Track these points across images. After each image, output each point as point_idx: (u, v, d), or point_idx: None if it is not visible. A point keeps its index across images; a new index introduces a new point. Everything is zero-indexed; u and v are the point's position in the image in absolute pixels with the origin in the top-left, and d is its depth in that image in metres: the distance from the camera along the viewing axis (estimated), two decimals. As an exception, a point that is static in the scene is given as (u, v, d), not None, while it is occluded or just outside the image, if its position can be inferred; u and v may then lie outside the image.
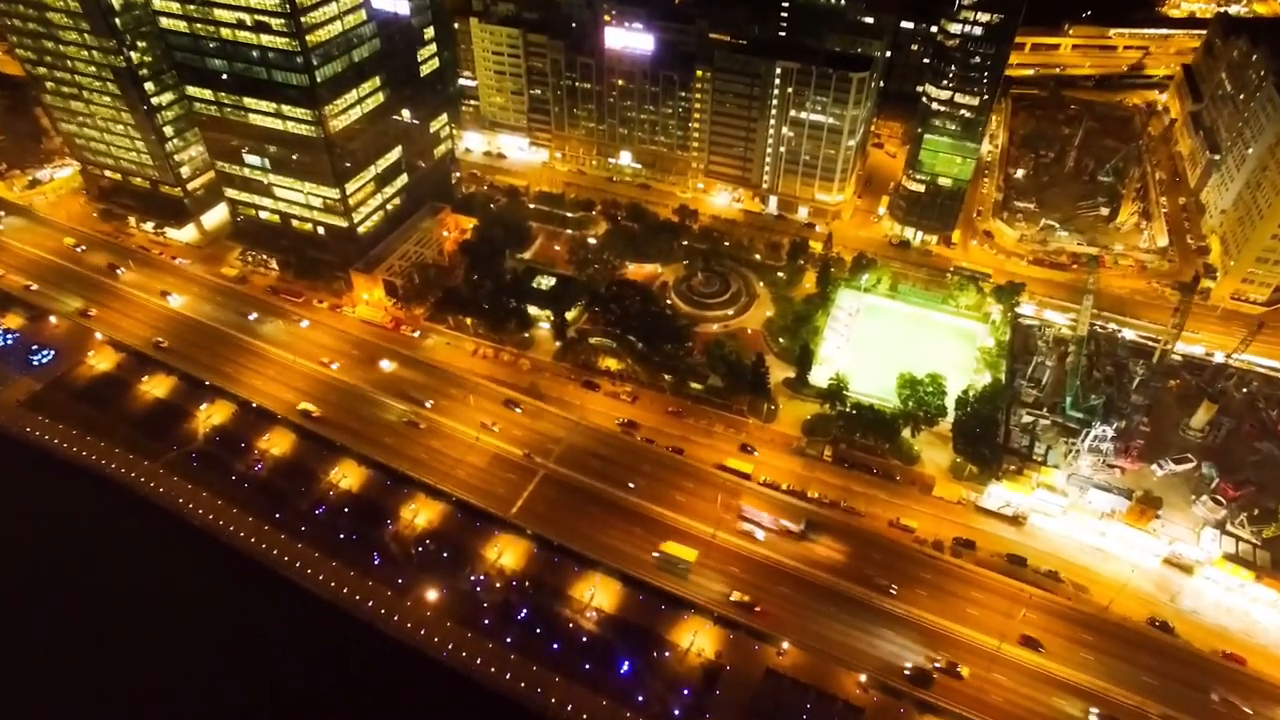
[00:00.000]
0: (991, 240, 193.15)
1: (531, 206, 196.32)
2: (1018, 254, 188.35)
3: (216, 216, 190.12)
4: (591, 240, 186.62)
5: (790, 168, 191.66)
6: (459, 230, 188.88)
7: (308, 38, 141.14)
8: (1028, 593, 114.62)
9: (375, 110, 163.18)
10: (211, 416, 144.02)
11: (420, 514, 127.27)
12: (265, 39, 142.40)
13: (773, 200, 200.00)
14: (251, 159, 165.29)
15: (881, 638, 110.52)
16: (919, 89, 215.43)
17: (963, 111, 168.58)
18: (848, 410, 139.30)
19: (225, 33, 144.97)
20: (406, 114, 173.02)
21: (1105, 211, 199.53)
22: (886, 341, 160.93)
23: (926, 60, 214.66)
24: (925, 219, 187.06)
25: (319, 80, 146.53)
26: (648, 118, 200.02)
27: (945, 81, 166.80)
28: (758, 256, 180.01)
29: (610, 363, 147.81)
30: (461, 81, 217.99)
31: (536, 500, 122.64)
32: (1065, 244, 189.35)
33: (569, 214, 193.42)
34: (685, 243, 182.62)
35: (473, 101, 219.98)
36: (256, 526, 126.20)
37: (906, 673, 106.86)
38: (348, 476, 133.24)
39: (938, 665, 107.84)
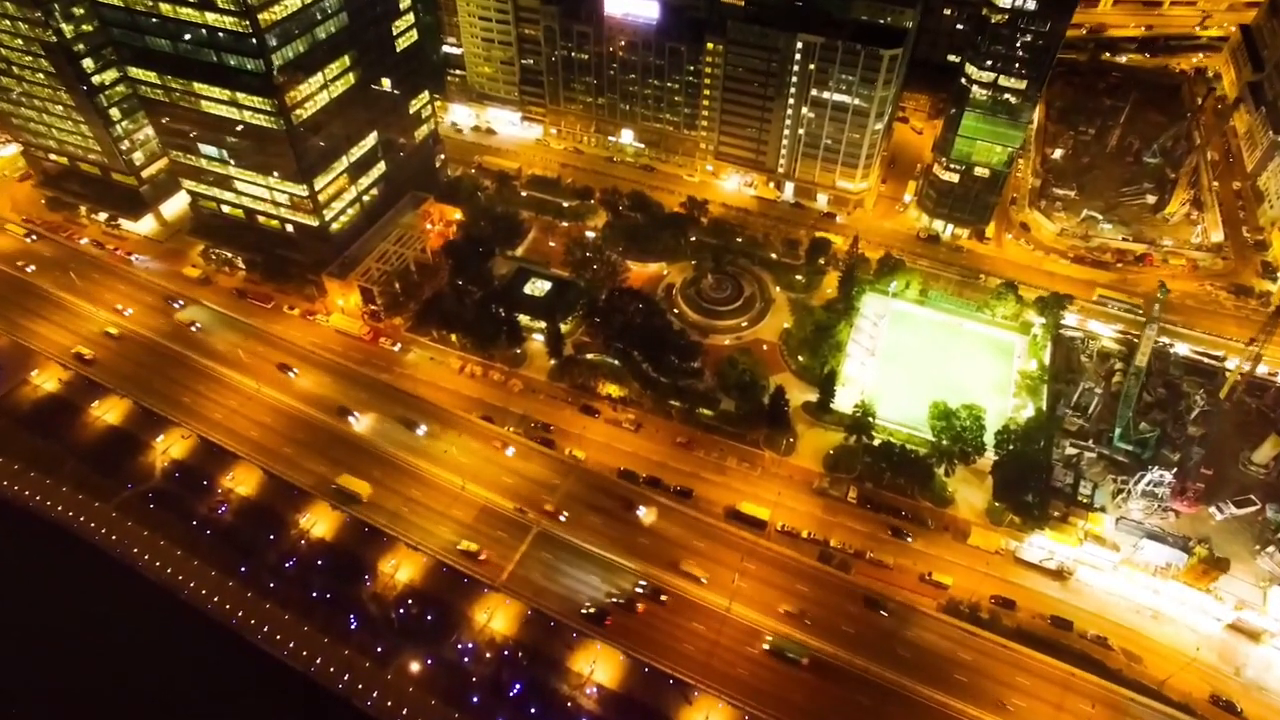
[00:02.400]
0: (1028, 234, 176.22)
1: (524, 194, 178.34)
2: (1057, 250, 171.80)
3: (178, 205, 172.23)
4: (590, 234, 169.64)
5: (809, 152, 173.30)
6: (444, 222, 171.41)
7: (260, 16, 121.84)
8: (1080, 680, 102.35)
9: (346, 93, 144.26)
10: (170, 448, 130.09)
11: (401, 569, 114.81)
12: (211, 17, 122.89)
13: (789, 187, 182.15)
14: (207, 149, 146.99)
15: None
16: (950, 58, 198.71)
17: (1007, 96, 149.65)
18: (874, 444, 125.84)
19: (165, 8, 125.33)
20: (383, 93, 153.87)
21: (1152, 200, 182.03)
22: (915, 354, 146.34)
23: (961, 26, 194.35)
24: (957, 211, 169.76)
25: (276, 64, 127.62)
26: (652, 93, 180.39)
27: (988, 61, 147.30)
28: (774, 255, 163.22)
29: (611, 389, 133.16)
30: (446, 49, 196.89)
31: (530, 564, 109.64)
32: (1108, 238, 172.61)
33: (565, 203, 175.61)
34: (693, 239, 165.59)
35: (458, 71, 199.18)
36: (220, 583, 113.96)
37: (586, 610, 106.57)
38: (320, 522, 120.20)
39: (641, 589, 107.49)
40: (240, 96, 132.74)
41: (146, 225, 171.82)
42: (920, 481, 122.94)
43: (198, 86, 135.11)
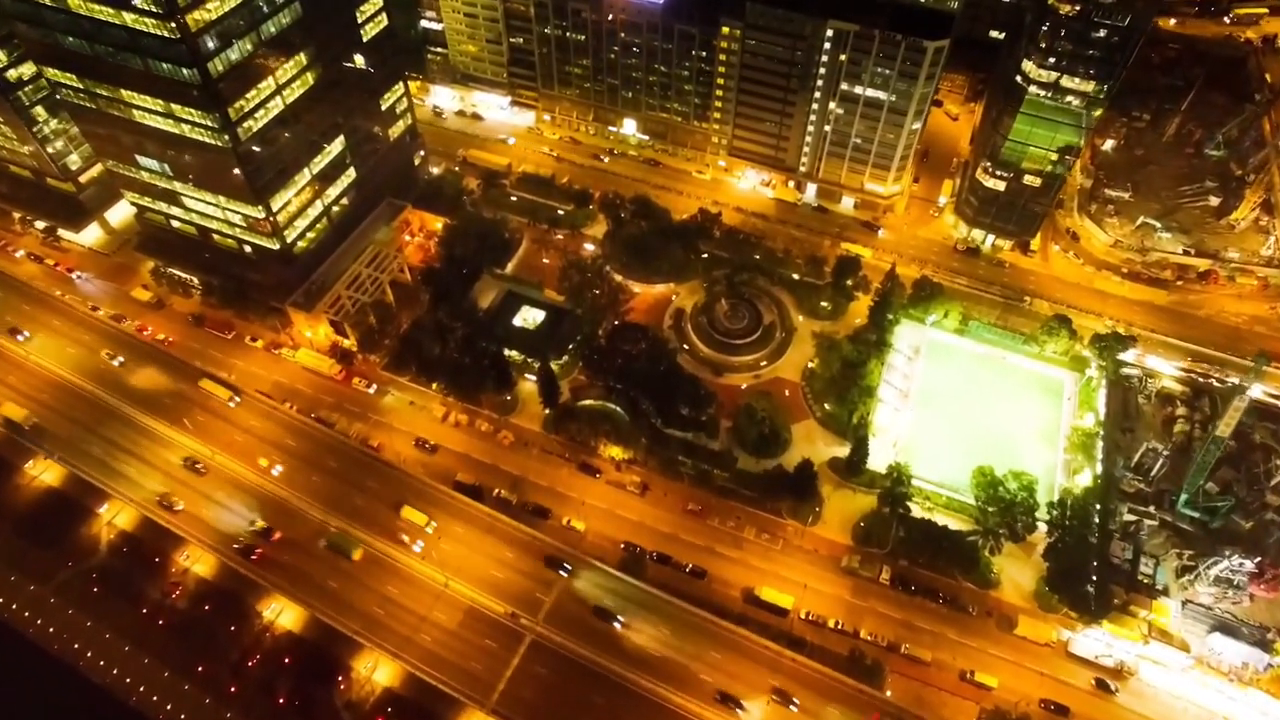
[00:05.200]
0: (1077, 244, 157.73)
1: (514, 198, 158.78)
2: (1109, 265, 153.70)
3: (128, 210, 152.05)
4: (589, 247, 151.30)
5: (836, 151, 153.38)
6: (424, 233, 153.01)
7: (190, 17, 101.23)
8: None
9: (305, 95, 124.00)
10: (117, 517, 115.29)
11: (380, 668, 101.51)
12: (130, 18, 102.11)
13: (811, 188, 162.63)
14: (146, 161, 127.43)
15: None
16: (993, 34, 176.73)
17: (1071, 99, 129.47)
18: (908, 513, 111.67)
19: (73, 2, 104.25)
20: (349, 90, 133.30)
21: (1215, 201, 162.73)
22: (953, 395, 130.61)
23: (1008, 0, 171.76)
24: (1001, 221, 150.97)
25: (215, 72, 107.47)
26: (657, 80, 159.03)
27: (1051, 59, 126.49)
28: (795, 275, 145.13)
29: (614, 451, 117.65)
30: (424, 24, 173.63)
31: (523, 681, 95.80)
32: (1167, 251, 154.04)
33: (560, 209, 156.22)
34: (705, 255, 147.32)
35: (439, 49, 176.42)
36: (174, 686, 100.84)
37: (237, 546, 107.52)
38: (287, 610, 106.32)
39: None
40: (176, 108, 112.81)
41: (91, 235, 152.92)
42: (964, 567, 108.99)
43: (126, 94, 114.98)
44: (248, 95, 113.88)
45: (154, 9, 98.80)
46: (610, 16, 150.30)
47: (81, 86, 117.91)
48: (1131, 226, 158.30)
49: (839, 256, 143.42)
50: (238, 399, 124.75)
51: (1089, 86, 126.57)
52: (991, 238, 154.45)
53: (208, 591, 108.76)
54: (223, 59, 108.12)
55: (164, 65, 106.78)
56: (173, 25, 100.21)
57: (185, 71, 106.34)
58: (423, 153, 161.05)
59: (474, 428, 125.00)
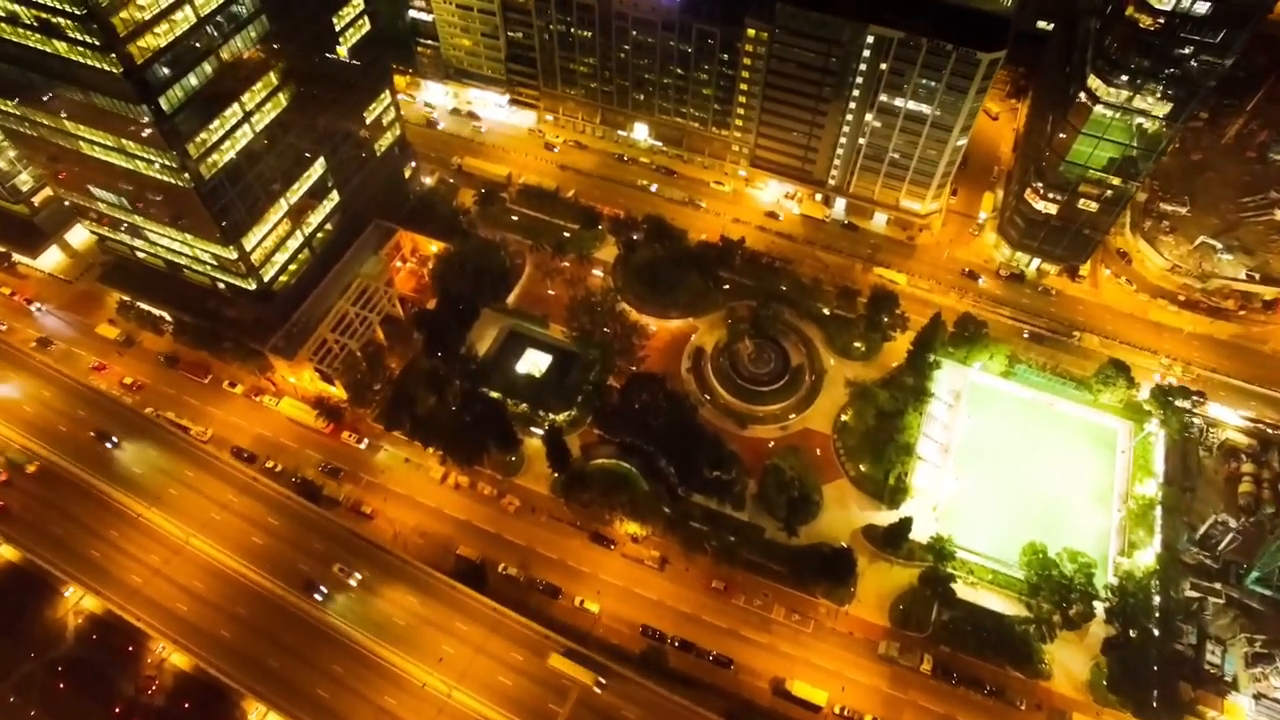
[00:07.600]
0: (1129, 268, 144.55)
1: (514, 217, 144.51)
2: (1165, 291, 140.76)
3: (86, 234, 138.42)
4: (597, 273, 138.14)
5: (870, 165, 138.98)
6: (418, 257, 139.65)
7: (132, 47, 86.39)
8: None
9: (278, 119, 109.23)
10: (85, 599, 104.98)
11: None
12: (61, 46, 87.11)
13: (840, 203, 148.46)
14: (102, 194, 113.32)
15: None
16: (1040, 24, 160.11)
17: (1141, 121, 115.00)
18: (952, 594, 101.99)
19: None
20: (329, 104, 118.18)
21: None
22: (998, 448, 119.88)
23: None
24: (1051, 245, 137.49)
25: (169, 108, 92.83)
26: (673, 83, 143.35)
27: (1124, 76, 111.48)
28: (825, 310, 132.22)
29: (631, 527, 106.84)
30: (413, 14, 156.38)
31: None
32: (1229, 276, 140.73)
33: (566, 228, 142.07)
34: (726, 286, 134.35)
35: (431, 42, 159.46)
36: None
37: None
38: (274, 713, 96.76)
39: None
40: (129, 144, 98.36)
41: (51, 259, 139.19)
42: (1012, 657, 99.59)
43: (70, 125, 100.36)
44: (210, 127, 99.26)
45: (90, 40, 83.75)
46: (620, 13, 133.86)
47: (19, 114, 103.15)
48: (1189, 247, 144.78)
49: (873, 288, 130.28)
50: (604, 681, 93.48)
51: (1166, 108, 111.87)
52: (1037, 261, 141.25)
53: (187, 686, 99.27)
54: (180, 88, 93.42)
55: (105, 99, 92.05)
56: (114, 58, 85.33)
57: (130, 108, 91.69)
58: (413, 164, 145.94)
59: (476, 491, 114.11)
